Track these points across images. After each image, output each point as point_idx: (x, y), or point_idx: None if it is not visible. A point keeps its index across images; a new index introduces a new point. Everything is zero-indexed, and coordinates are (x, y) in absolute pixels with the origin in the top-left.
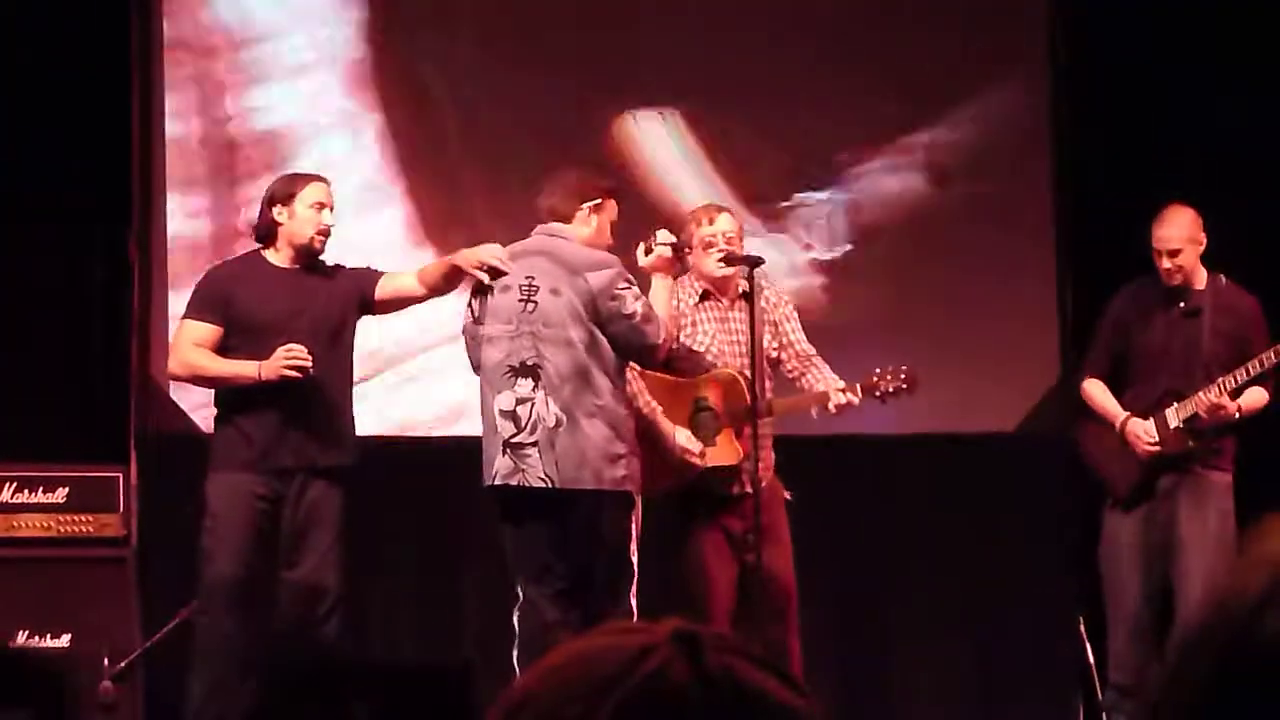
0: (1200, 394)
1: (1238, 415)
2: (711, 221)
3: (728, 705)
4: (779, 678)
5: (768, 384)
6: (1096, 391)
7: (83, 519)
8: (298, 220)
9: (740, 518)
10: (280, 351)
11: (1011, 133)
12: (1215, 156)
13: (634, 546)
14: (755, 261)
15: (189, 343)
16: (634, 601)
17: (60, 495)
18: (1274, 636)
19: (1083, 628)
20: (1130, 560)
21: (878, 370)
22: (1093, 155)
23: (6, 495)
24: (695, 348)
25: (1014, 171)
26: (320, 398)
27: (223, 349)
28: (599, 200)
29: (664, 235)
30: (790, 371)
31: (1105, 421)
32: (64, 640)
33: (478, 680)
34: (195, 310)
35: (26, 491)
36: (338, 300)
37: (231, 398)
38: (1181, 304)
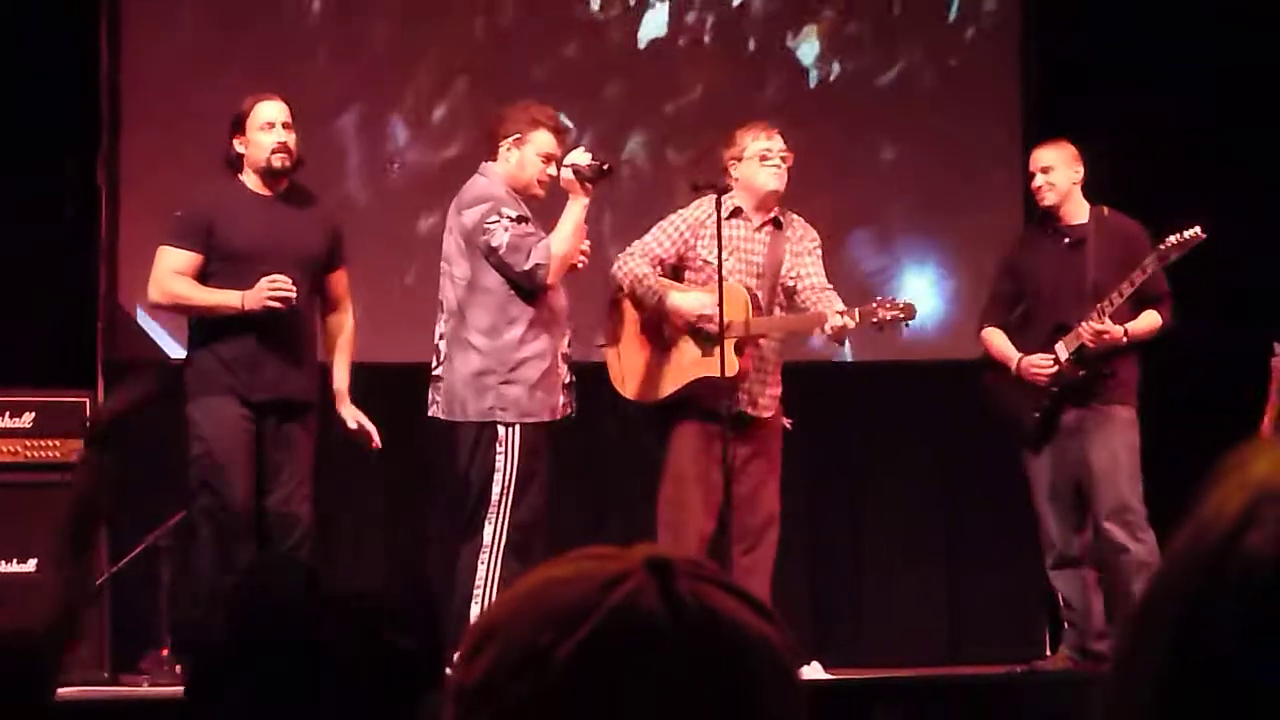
0: (1084, 323)
1: (1125, 339)
2: (770, 137)
3: (699, 633)
4: (750, 605)
5: (778, 310)
6: (993, 338)
7: (49, 444)
8: (253, 145)
9: (734, 440)
10: (264, 282)
11: (980, 73)
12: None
13: (504, 475)
14: (723, 188)
15: (170, 271)
16: (488, 533)
17: (27, 420)
18: (1253, 557)
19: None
20: (1045, 498)
21: (877, 298)
22: (1062, 100)
23: None
24: (709, 259)
25: (984, 105)
26: (296, 329)
27: (202, 276)
28: (518, 135)
29: (572, 156)
30: (804, 302)
31: (1004, 367)
32: (30, 565)
33: (444, 609)
34: (176, 237)
35: None
36: (317, 233)
37: (208, 325)
38: (1066, 239)
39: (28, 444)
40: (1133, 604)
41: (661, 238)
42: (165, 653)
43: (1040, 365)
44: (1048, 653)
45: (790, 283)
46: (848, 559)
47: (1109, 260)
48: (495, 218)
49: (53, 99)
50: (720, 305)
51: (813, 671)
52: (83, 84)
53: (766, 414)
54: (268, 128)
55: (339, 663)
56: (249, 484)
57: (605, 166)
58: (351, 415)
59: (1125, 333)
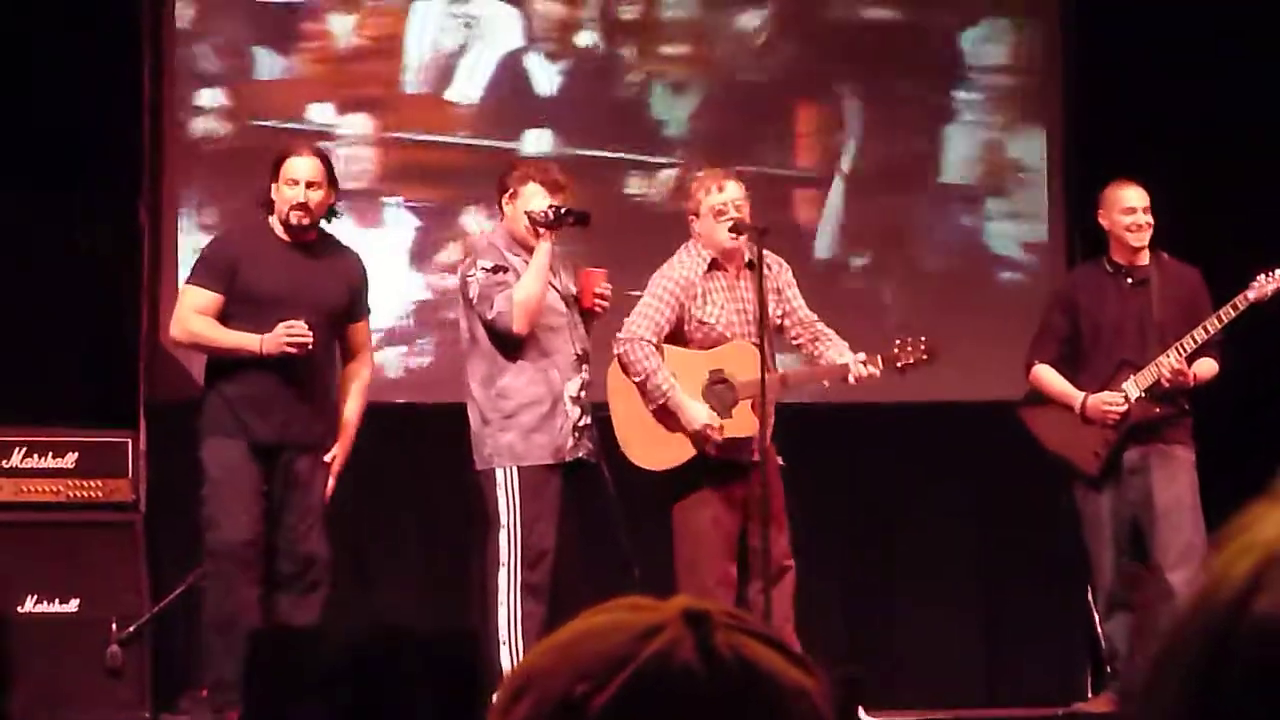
0: (1161, 359)
1: (1193, 382)
2: (721, 189)
3: (735, 685)
4: (788, 656)
5: (779, 356)
6: (1048, 375)
7: (92, 484)
8: (279, 195)
9: (744, 486)
10: (282, 327)
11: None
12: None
13: (506, 519)
14: (762, 231)
15: (191, 309)
16: (502, 577)
17: (70, 460)
18: (1262, 620)
19: (1090, 596)
20: (1104, 536)
21: (898, 341)
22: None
23: (16, 460)
24: (705, 319)
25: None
26: (308, 374)
27: (222, 317)
28: (512, 190)
29: (531, 203)
30: (795, 338)
31: (1058, 403)
32: (73, 605)
33: (485, 652)
34: (200, 277)
35: (36, 456)
36: (339, 284)
37: (222, 366)
38: (1129, 279)
39: (70, 484)
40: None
41: (661, 307)
42: (205, 693)
43: (1112, 403)
44: (1089, 694)
45: (778, 321)
46: (884, 600)
47: (1172, 301)
48: (473, 270)
49: (95, 137)
50: (761, 361)
51: None
52: (126, 122)
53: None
54: (291, 184)
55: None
56: (254, 521)
57: (563, 211)
58: (333, 455)
59: (1194, 376)
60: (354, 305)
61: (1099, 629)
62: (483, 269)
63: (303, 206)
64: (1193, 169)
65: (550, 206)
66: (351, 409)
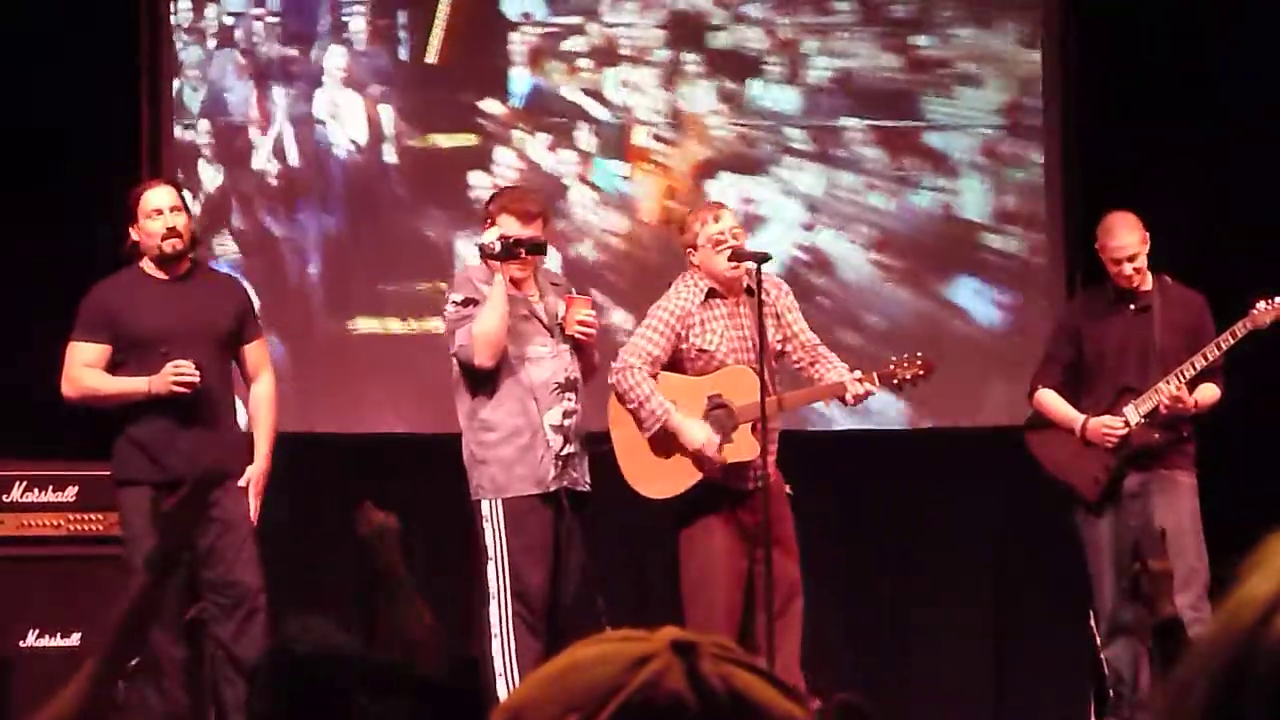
0: (1160, 385)
1: (1194, 408)
2: (717, 219)
3: (725, 714)
4: (776, 686)
5: (779, 378)
6: (1051, 400)
7: (93, 518)
8: (144, 233)
9: (751, 512)
10: (169, 367)
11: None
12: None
13: (494, 551)
14: (762, 258)
15: (80, 365)
16: (493, 609)
17: (70, 494)
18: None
19: (1093, 622)
20: (1105, 561)
21: (894, 358)
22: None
23: (16, 494)
24: (705, 347)
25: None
26: (208, 406)
27: (112, 365)
28: (490, 220)
29: (484, 235)
30: (797, 362)
31: (1061, 428)
32: (74, 639)
33: (487, 678)
34: (81, 332)
35: (37, 490)
36: (222, 310)
37: (123, 411)
38: (1131, 305)
39: (70, 518)
40: (1171, 681)
41: (655, 338)
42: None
43: (1111, 428)
44: None
45: (778, 346)
46: (892, 625)
47: (1173, 326)
48: (449, 304)
49: (93, 161)
50: (762, 379)
51: None
52: (123, 147)
53: (771, 477)
54: (155, 214)
55: None
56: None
57: (511, 242)
58: (249, 477)
59: (1195, 402)
60: (242, 328)
61: (1100, 654)
62: (453, 303)
63: (173, 231)
64: (1200, 190)
65: (500, 237)
66: (263, 430)
